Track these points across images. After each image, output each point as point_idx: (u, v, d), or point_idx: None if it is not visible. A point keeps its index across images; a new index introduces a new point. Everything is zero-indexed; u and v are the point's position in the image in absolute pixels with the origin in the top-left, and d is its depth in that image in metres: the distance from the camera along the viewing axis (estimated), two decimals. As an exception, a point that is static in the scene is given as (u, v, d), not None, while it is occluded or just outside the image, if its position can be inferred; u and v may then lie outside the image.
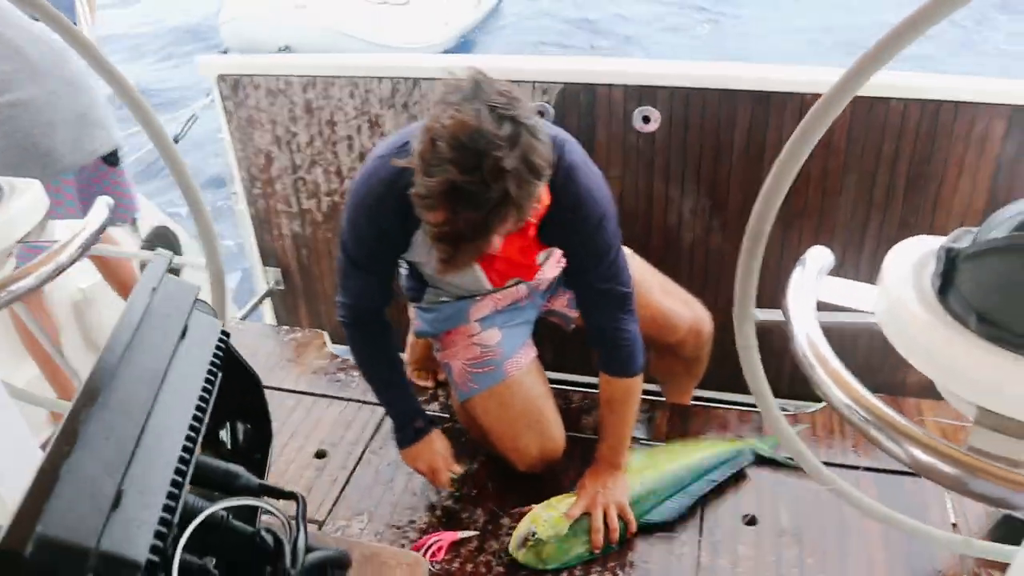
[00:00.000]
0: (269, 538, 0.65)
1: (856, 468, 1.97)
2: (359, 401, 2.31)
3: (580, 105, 2.26)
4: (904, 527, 1.36)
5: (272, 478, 2.08)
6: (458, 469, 1.95)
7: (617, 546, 1.84)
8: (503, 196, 1.35)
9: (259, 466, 0.81)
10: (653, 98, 2.20)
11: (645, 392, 1.96)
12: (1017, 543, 1.25)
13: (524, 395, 1.96)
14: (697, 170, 2.27)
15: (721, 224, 2.33)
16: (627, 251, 1.99)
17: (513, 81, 1.46)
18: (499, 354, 1.94)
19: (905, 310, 0.80)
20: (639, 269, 2.01)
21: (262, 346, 2.58)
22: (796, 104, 2.11)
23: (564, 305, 2.06)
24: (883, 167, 2.12)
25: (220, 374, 0.74)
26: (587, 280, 1.76)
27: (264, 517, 0.69)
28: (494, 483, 2.03)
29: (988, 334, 0.75)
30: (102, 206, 1.46)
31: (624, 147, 2.28)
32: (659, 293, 2.06)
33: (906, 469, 2.00)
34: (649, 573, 1.79)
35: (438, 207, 1.37)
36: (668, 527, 1.88)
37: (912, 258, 0.86)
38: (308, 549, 0.66)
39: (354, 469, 2.10)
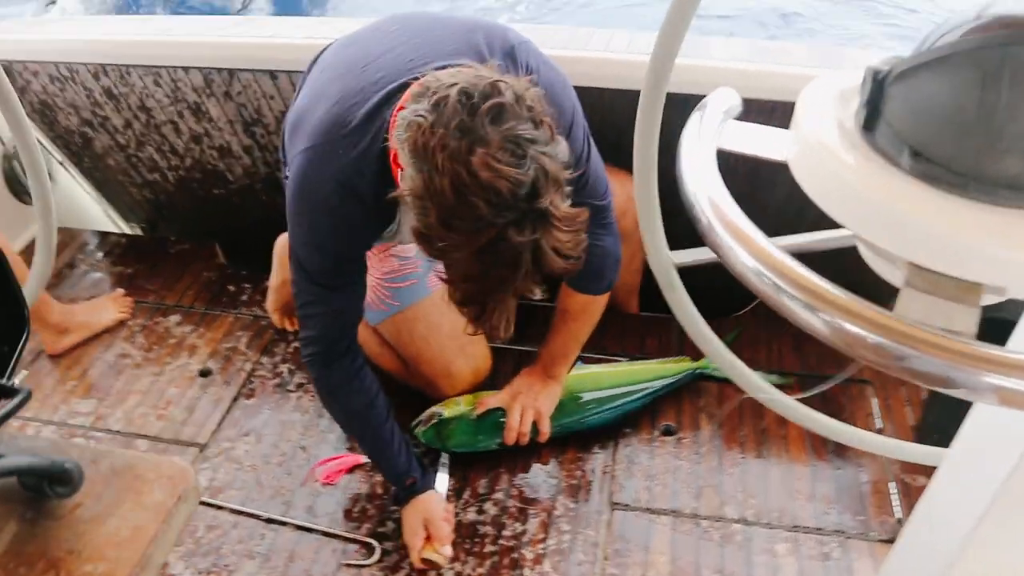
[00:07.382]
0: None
1: (784, 374, 1.85)
2: (250, 315, 2.11)
3: None
4: (838, 434, 1.24)
5: (150, 399, 1.91)
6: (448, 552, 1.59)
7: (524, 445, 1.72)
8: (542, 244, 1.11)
9: (4, 359, 0.62)
10: None
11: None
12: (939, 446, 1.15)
13: (452, 313, 1.78)
14: None
15: None
16: None
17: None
18: (420, 266, 1.73)
19: (823, 150, 0.64)
20: None
21: (144, 258, 2.34)
22: None
23: None
24: None
25: None
26: None
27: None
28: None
29: (923, 172, 0.59)
30: None
31: None
32: None
33: (826, 374, 1.87)
34: (557, 488, 1.67)
35: (462, 263, 1.14)
36: (581, 434, 1.76)
37: (832, 92, 0.70)
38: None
39: (242, 387, 1.91)
